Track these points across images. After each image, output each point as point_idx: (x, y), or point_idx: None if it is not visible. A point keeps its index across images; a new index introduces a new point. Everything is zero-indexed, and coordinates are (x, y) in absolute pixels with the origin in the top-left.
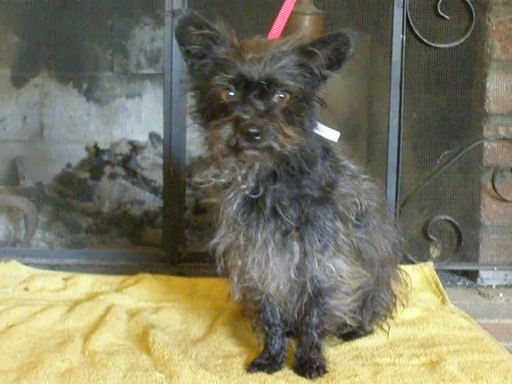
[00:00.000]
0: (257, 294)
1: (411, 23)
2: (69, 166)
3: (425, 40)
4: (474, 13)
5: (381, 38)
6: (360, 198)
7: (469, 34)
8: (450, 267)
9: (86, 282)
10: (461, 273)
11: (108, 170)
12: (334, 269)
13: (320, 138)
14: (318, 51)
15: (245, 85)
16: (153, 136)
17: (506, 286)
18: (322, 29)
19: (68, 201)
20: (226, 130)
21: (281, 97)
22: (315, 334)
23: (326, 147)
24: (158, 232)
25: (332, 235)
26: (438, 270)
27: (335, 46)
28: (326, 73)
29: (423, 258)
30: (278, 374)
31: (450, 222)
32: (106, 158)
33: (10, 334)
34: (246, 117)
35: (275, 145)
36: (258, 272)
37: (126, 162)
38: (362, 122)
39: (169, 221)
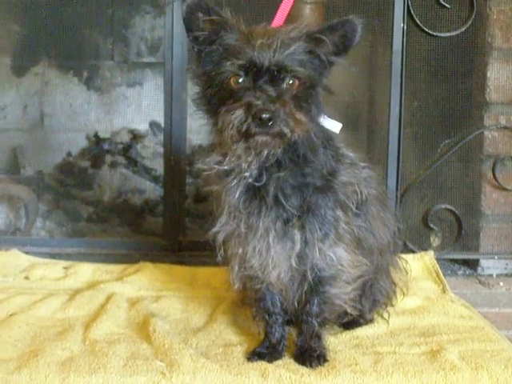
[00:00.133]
0: (257, 282)
1: (412, 12)
2: (69, 154)
3: (426, 29)
4: (474, 1)
5: (382, 26)
6: (360, 187)
7: (470, 22)
8: (451, 256)
9: (86, 271)
10: (461, 262)
11: (108, 158)
12: (334, 257)
13: (322, 127)
14: (325, 38)
15: (255, 71)
16: (153, 125)
17: (506, 274)
18: (323, 17)
19: (68, 190)
20: (238, 116)
21: (290, 83)
22: (315, 323)
23: (326, 136)
24: (158, 221)
25: (333, 224)
26: (438, 259)
27: (342, 33)
28: (332, 59)
29: (424, 246)
30: (279, 362)
31: (451, 210)
32: (106, 146)
33: (10, 323)
34: (258, 102)
35: (286, 130)
36: (259, 260)
37: (126, 150)
38: (362, 111)
39: (169, 209)
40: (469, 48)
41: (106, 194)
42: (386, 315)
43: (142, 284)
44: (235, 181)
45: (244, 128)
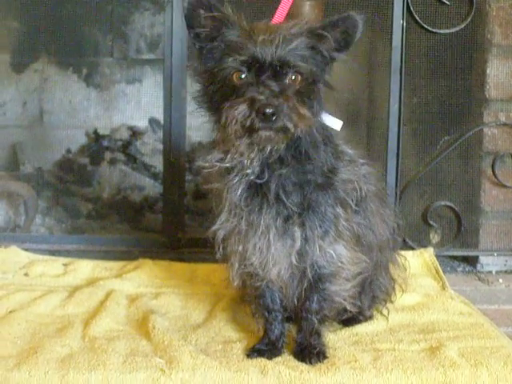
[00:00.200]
0: (257, 279)
1: (411, 8)
2: (69, 151)
3: (425, 25)
4: None
5: (381, 23)
6: (360, 184)
7: (469, 19)
8: (450, 253)
9: (85, 268)
10: (461, 258)
11: (108, 155)
12: (334, 254)
13: (323, 124)
14: (327, 34)
15: (257, 66)
16: (153, 121)
17: (505, 271)
18: (323, 14)
19: (68, 186)
20: (241, 111)
21: (292, 78)
22: (315, 320)
23: (326, 133)
24: (157, 217)
25: (333, 221)
26: (438, 256)
27: (343, 29)
28: (334, 55)
29: (423, 243)
30: (278, 359)
31: (450, 207)
32: (105, 143)
33: (9, 320)
34: (261, 97)
35: (290, 125)
36: (260, 258)
37: (125, 147)
38: (362, 107)
39: (169, 206)
40: (468, 45)
41: (105, 191)
42: (385, 312)
43: (141, 281)
44: (237, 178)
45: (248, 123)
